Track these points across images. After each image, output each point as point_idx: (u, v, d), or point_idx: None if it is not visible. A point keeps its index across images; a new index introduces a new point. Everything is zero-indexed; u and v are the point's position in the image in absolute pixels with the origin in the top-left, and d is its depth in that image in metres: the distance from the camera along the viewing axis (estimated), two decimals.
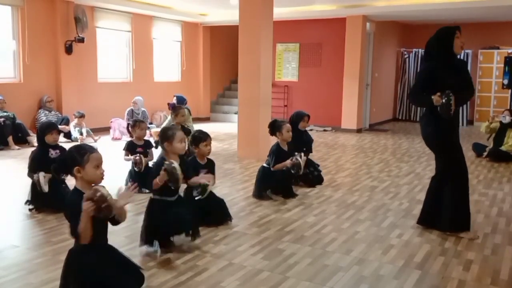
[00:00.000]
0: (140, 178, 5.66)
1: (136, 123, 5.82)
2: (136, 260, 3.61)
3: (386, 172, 6.93)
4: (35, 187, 4.67)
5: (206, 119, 13.29)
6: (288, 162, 5.30)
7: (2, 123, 8.23)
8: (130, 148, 5.69)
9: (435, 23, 12.53)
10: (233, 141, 9.11)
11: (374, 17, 11.46)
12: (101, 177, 2.87)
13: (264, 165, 5.51)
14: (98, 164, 2.84)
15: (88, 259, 2.74)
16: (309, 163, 5.99)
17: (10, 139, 8.27)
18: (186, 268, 3.46)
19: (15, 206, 5.01)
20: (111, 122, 9.77)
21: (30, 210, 4.74)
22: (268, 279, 3.31)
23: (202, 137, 4.42)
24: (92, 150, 2.85)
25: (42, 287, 3.13)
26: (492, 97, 12.74)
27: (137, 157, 5.53)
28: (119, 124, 9.70)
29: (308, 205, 5.15)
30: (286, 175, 5.37)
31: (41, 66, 9.44)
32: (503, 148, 7.81)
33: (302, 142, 6.00)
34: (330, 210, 4.99)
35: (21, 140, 8.54)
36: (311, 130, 11.43)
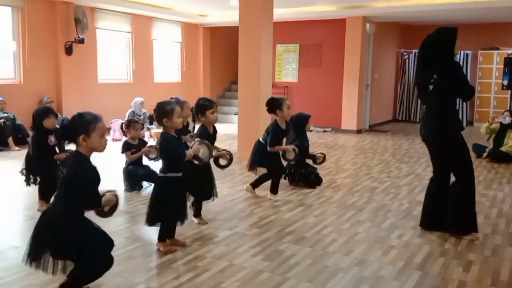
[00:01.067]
0: (135, 178, 5.67)
1: (131, 124, 5.82)
2: (137, 260, 3.62)
3: (386, 173, 6.93)
4: (28, 160, 4.76)
5: None
6: (289, 148, 5.31)
7: (2, 124, 8.23)
8: (127, 148, 5.70)
9: (434, 24, 12.51)
10: (233, 142, 9.10)
11: (374, 18, 11.46)
12: (105, 147, 2.90)
13: (261, 139, 5.38)
14: (103, 133, 2.87)
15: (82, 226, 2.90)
16: (307, 164, 6.04)
17: (10, 140, 8.27)
18: (186, 269, 3.46)
19: (15, 207, 5.01)
20: (111, 123, 9.76)
21: (25, 181, 4.82)
22: (269, 280, 3.31)
23: (208, 105, 4.38)
24: (98, 119, 2.85)
25: None
26: (492, 98, 12.74)
27: (148, 147, 5.52)
28: (119, 125, 9.70)
29: (308, 206, 5.16)
30: (278, 165, 5.35)
31: (41, 67, 9.44)
32: (503, 149, 7.81)
33: (307, 143, 6.10)
34: (330, 211, 5.00)
35: (21, 141, 8.53)
36: (311, 131, 11.45)
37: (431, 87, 4.14)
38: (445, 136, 4.11)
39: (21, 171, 4.87)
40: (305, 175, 5.93)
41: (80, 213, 2.89)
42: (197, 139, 4.03)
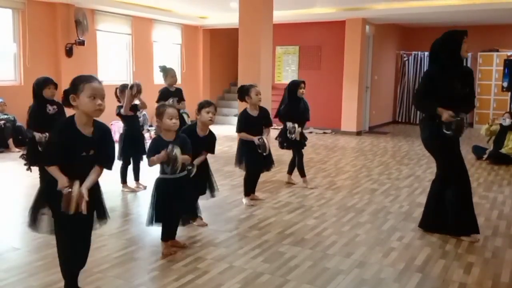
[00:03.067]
0: (128, 147, 5.64)
1: (124, 88, 5.83)
2: (137, 262, 3.62)
3: (386, 174, 6.93)
4: (31, 144, 4.74)
5: None
6: (255, 139, 5.07)
7: (3, 126, 8.23)
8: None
9: (434, 26, 12.54)
10: (232, 143, 9.10)
11: (373, 20, 11.48)
12: (96, 109, 2.69)
13: None
14: (94, 94, 2.67)
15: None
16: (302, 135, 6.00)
17: (10, 141, 8.27)
18: (186, 271, 3.46)
19: (16, 208, 5.01)
20: (112, 124, 9.76)
21: (25, 165, 4.83)
22: (269, 282, 3.31)
23: (205, 104, 4.40)
24: (90, 79, 2.71)
25: None
26: (491, 100, 12.75)
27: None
28: (119, 126, 9.68)
29: (308, 208, 5.16)
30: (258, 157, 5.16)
31: (41, 68, 9.42)
32: (503, 150, 7.81)
33: (299, 110, 5.92)
34: (330, 213, 5.00)
35: (22, 143, 8.50)
36: (310, 132, 11.46)
37: None
38: (429, 137, 4.20)
39: (22, 156, 4.90)
40: (301, 144, 6.00)
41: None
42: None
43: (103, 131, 2.84)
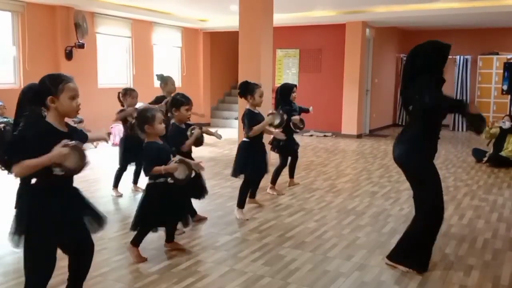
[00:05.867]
0: (129, 151, 5.59)
1: (127, 91, 5.82)
2: (137, 265, 3.61)
3: (386, 177, 6.93)
4: None
5: (206, 125, 13.29)
6: (267, 119, 4.85)
7: (2, 129, 8.22)
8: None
9: (434, 29, 12.58)
10: (233, 146, 9.10)
11: (373, 23, 11.49)
12: (76, 110, 2.61)
13: (244, 139, 4.91)
14: (74, 95, 2.58)
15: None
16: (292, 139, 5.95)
17: None
18: (187, 274, 3.46)
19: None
20: (111, 128, 9.77)
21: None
22: (269, 285, 3.31)
23: (184, 101, 4.31)
24: (68, 79, 2.59)
25: None
26: (491, 103, 12.74)
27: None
28: (120, 130, 9.69)
29: (308, 211, 5.15)
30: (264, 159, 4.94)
31: (41, 71, 9.31)
32: (503, 153, 7.81)
33: (293, 111, 5.97)
34: (330, 215, 4.99)
35: None
36: (311, 135, 11.47)
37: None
38: (415, 160, 3.58)
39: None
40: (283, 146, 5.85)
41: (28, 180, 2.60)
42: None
43: (72, 126, 2.75)
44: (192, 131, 4.35)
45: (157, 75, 6.48)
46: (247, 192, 4.97)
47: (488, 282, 3.42)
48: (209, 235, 4.33)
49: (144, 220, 3.68)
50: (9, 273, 3.44)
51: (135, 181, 5.87)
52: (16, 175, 2.54)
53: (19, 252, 3.84)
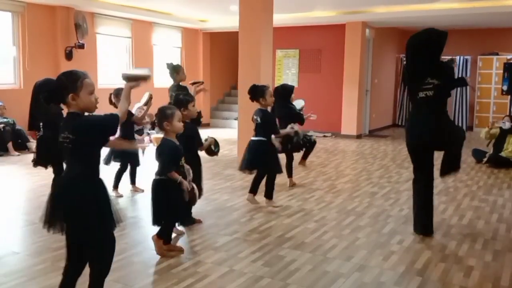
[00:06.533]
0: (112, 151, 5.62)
1: (120, 92, 5.79)
2: (137, 266, 3.61)
3: (386, 178, 6.93)
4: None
5: (206, 125, 13.28)
6: (290, 131, 5.38)
7: (2, 129, 8.23)
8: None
9: None
10: (233, 147, 9.10)
11: (373, 23, 11.49)
12: (95, 105, 2.69)
13: (253, 138, 5.16)
14: (92, 90, 2.64)
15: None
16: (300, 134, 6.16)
17: (10, 145, 8.26)
18: (186, 275, 3.46)
19: (15, 212, 5.00)
20: None
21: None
22: (269, 286, 3.31)
23: (190, 98, 4.41)
24: (85, 75, 2.65)
25: None
26: (491, 103, 12.75)
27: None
28: (119, 130, 9.69)
29: (308, 212, 5.15)
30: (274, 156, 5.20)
31: (41, 72, 9.41)
32: (503, 154, 7.81)
33: (293, 114, 6.16)
34: (330, 216, 4.99)
35: (21, 146, 8.53)
36: (311, 136, 11.44)
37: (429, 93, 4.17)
38: (436, 130, 4.22)
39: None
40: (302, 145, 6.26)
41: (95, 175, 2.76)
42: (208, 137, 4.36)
43: None
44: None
45: (167, 63, 6.61)
46: (259, 182, 5.22)
47: (488, 283, 3.41)
48: (209, 235, 4.33)
49: (171, 214, 3.77)
50: (10, 273, 3.43)
51: (133, 182, 5.86)
52: None
53: (19, 252, 3.86)
